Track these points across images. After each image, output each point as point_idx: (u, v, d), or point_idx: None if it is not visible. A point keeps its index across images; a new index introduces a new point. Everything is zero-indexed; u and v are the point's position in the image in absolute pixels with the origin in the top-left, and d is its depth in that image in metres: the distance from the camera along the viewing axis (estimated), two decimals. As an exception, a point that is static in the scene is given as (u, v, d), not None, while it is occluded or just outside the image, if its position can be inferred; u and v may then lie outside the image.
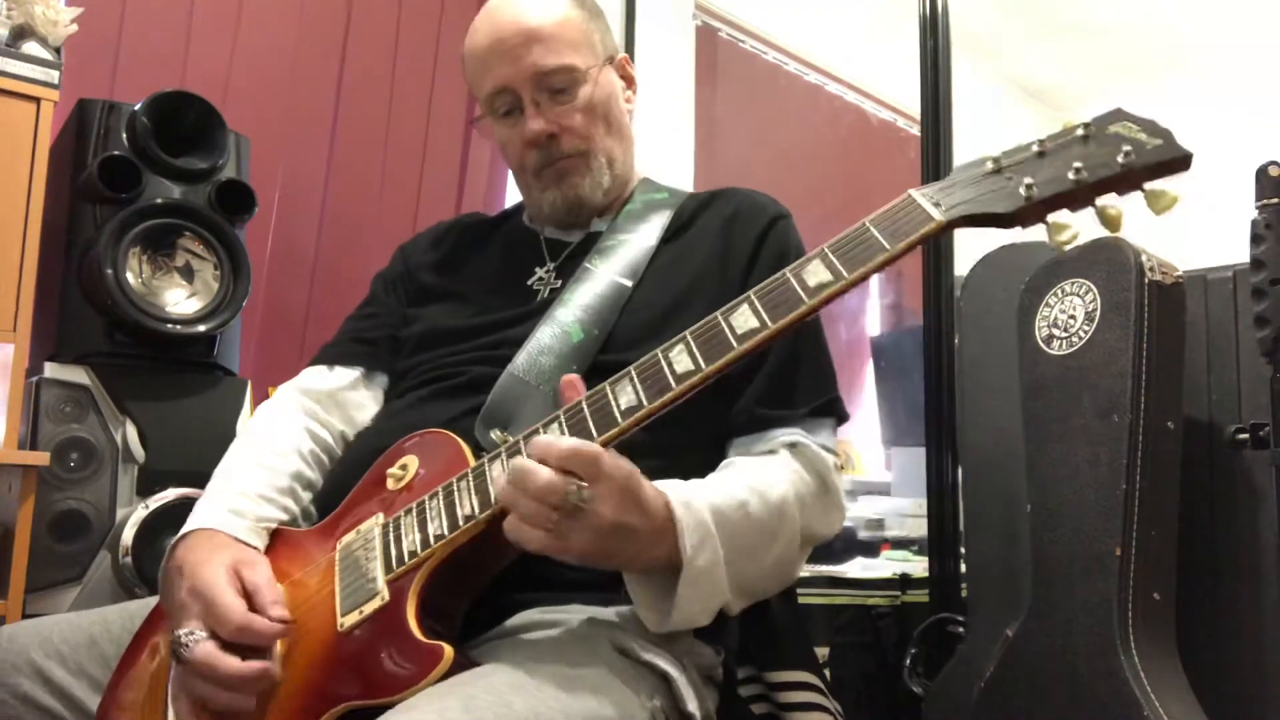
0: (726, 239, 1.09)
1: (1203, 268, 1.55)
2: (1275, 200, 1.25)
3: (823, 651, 1.84)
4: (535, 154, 1.11)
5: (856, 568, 2.07)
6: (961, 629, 1.71)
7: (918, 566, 2.07)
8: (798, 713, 1.02)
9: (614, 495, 0.75)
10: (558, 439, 0.76)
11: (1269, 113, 4.03)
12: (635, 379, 0.80)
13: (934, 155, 2.04)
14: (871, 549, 2.31)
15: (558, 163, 1.11)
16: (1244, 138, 3.00)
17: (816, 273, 0.78)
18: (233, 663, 0.79)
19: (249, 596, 0.84)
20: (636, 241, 1.10)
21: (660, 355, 0.80)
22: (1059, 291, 1.51)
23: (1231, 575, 1.47)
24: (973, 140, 2.33)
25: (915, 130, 3.88)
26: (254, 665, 0.80)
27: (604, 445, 0.78)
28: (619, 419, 0.78)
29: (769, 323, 0.78)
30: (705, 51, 3.48)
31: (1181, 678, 1.35)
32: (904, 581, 1.97)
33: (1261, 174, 1.26)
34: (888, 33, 3.85)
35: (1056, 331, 1.50)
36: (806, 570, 1.99)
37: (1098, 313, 1.44)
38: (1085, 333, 1.45)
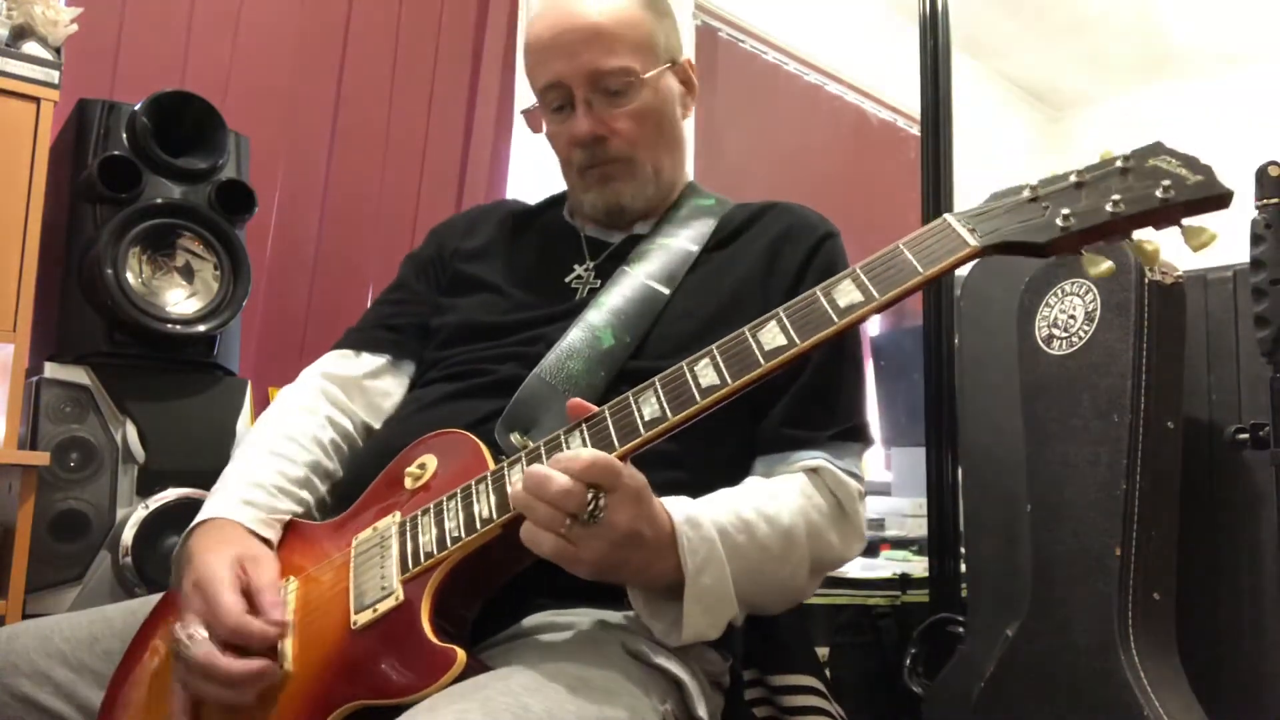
0: (773, 256, 1.07)
1: (1203, 268, 1.55)
2: (1275, 200, 1.25)
3: (823, 651, 1.84)
4: (581, 154, 1.09)
5: (856, 568, 2.07)
6: (961, 629, 1.71)
7: (918, 566, 2.07)
8: (800, 716, 1.02)
9: (629, 504, 0.75)
10: (579, 452, 0.76)
11: (1269, 113, 4.04)
12: (660, 391, 0.80)
13: (934, 155, 2.04)
14: (871, 549, 2.31)
15: (603, 166, 1.09)
16: (1244, 138, 3.01)
17: (847, 293, 0.78)
18: (231, 663, 0.79)
19: (251, 596, 0.84)
20: (677, 248, 1.08)
21: (686, 368, 0.80)
22: (1059, 291, 1.51)
23: (1231, 575, 1.47)
24: (973, 140, 2.33)
25: (915, 130, 3.89)
26: (252, 665, 0.80)
27: (625, 455, 0.78)
28: (641, 430, 0.78)
29: (797, 341, 0.77)
30: (705, 51, 3.48)
31: (1181, 677, 1.35)
32: (904, 581, 1.98)
33: (1261, 174, 1.26)
34: (888, 33, 3.86)
35: (1056, 331, 1.50)
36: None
37: (1098, 313, 1.44)
38: (1085, 333, 1.45)
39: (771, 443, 0.99)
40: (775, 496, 0.92)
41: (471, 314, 1.11)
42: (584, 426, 0.81)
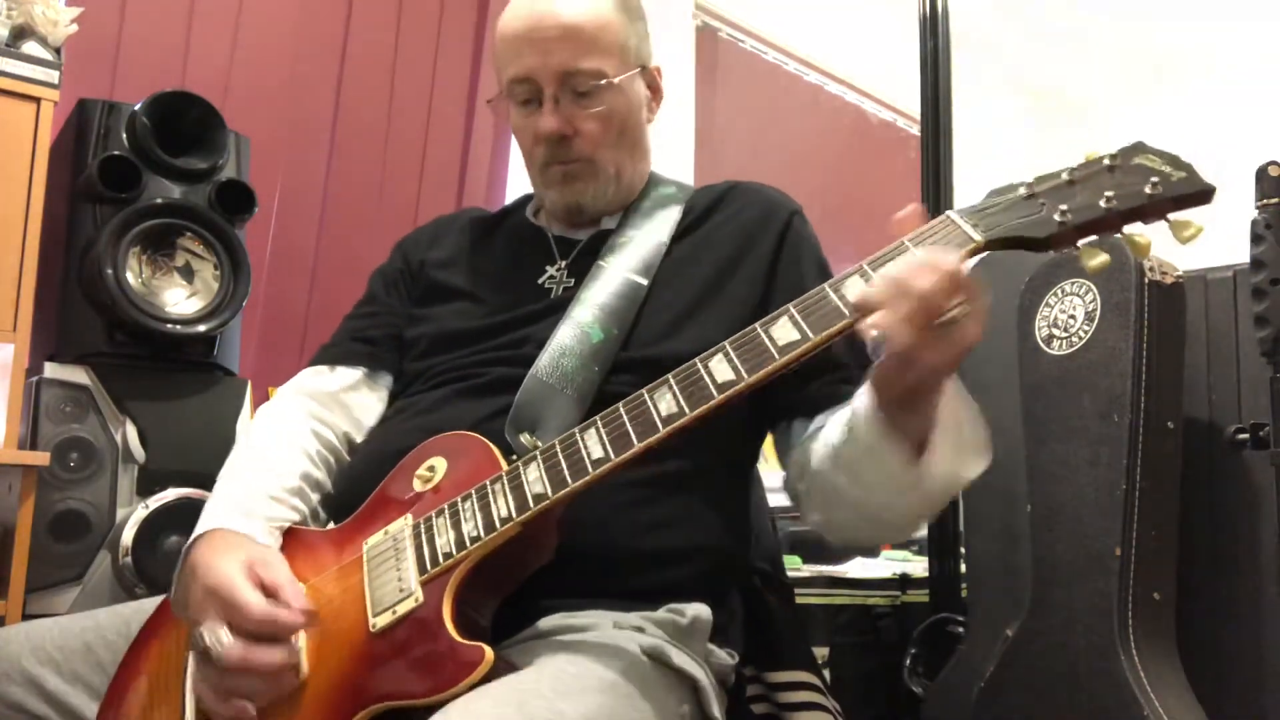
0: (745, 238, 1.08)
1: (1203, 268, 1.55)
2: (1275, 200, 1.25)
3: (823, 651, 1.84)
4: (544, 150, 1.10)
5: (856, 568, 2.07)
6: (961, 629, 1.71)
7: (918, 566, 2.07)
8: (797, 712, 1.02)
9: (978, 320, 0.76)
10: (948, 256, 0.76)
11: (1269, 113, 4.03)
12: (675, 387, 0.80)
13: (934, 155, 2.04)
14: (871, 549, 2.31)
15: (565, 165, 1.10)
16: (1244, 138, 3.00)
17: (857, 288, 0.79)
18: (269, 652, 0.79)
19: (268, 592, 0.83)
20: (647, 239, 1.10)
21: (700, 365, 0.81)
22: (1059, 291, 1.51)
23: (1231, 575, 1.47)
24: (973, 140, 2.33)
25: (915, 130, 3.88)
26: (287, 651, 0.80)
27: (644, 451, 0.79)
28: (659, 426, 0.79)
29: (810, 335, 0.79)
30: (705, 51, 3.48)
31: (1181, 677, 1.35)
32: (904, 581, 1.98)
33: (1261, 174, 1.26)
34: (888, 33, 3.85)
35: (1056, 331, 1.50)
36: (806, 570, 1.99)
37: (1098, 313, 1.44)
38: (1085, 333, 1.45)
39: (829, 398, 0.99)
40: None
41: (448, 322, 1.12)
42: (599, 423, 0.82)
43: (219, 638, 0.80)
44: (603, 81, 1.07)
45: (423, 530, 0.85)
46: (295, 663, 0.80)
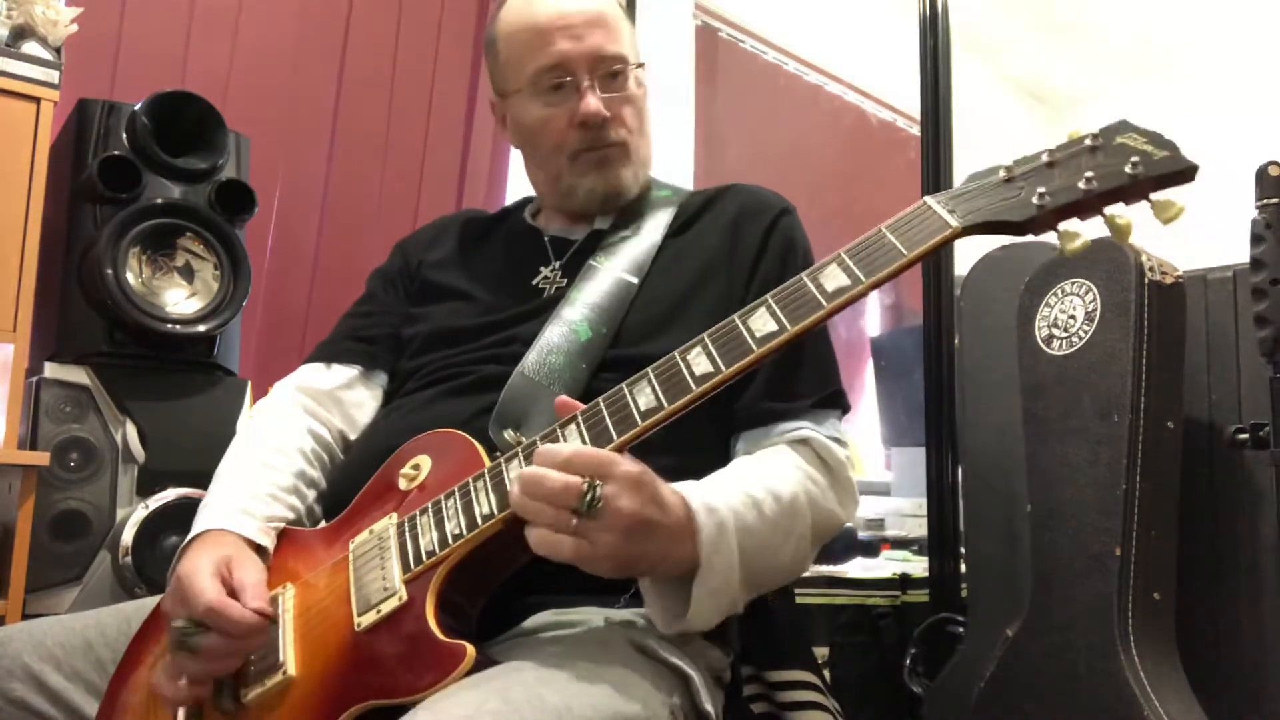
0: (733, 234, 1.09)
1: (1203, 268, 1.55)
2: (1275, 200, 1.25)
3: (822, 651, 1.84)
4: (580, 136, 1.09)
5: (856, 568, 2.07)
6: (961, 629, 1.71)
7: (918, 566, 2.07)
8: (797, 712, 1.02)
9: (630, 489, 0.75)
10: (560, 447, 0.76)
11: (1269, 112, 4.03)
12: (654, 381, 0.80)
13: (934, 155, 2.04)
14: (871, 549, 2.31)
15: (602, 149, 1.10)
16: (1244, 137, 3.00)
17: (834, 277, 0.79)
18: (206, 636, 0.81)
19: (233, 593, 0.84)
20: (641, 238, 1.10)
21: (678, 357, 0.81)
22: (1059, 291, 1.51)
23: (1231, 575, 1.47)
24: (972, 140, 2.33)
25: (915, 130, 3.88)
26: (217, 644, 0.82)
27: (624, 446, 0.79)
28: (638, 420, 0.79)
29: (788, 326, 0.79)
30: (705, 51, 3.48)
31: (1181, 677, 1.35)
32: (904, 581, 1.98)
33: (1261, 174, 1.26)
34: (888, 33, 3.85)
35: (1056, 331, 1.50)
36: (806, 570, 1.99)
37: (1098, 313, 1.44)
38: (1085, 333, 1.45)
39: (752, 417, 1.00)
40: (774, 471, 0.93)
41: (442, 321, 1.13)
42: (579, 419, 0.82)
43: (174, 624, 0.82)
44: (628, 67, 1.10)
45: (407, 529, 0.86)
46: (232, 653, 0.82)
